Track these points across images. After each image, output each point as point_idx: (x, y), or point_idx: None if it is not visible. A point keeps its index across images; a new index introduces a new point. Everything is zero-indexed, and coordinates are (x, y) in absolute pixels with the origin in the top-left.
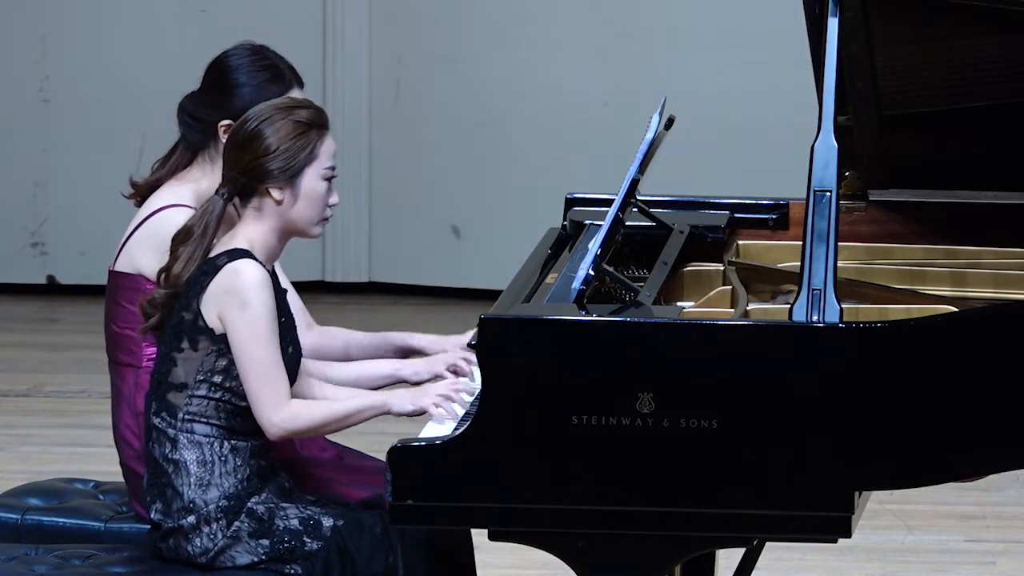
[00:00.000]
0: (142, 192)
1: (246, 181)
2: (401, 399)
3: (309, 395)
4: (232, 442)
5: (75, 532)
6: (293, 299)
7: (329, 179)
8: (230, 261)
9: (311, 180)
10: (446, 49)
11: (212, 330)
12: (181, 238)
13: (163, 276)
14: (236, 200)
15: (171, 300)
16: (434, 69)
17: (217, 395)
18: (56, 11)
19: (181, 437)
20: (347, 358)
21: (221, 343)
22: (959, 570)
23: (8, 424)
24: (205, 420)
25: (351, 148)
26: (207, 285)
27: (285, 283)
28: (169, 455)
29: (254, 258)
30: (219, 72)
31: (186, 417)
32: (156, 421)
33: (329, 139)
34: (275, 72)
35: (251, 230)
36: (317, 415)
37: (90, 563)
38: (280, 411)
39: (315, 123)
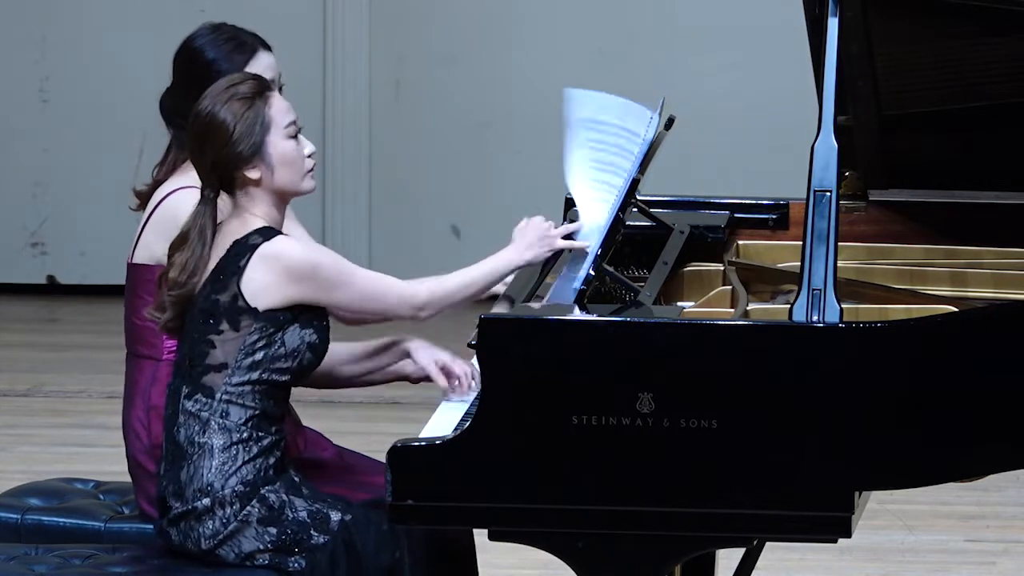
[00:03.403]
0: (146, 199)
1: (221, 174)
2: (527, 250)
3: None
4: (259, 433)
5: (75, 532)
6: None
7: (294, 135)
8: (264, 240)
9: (277, 144)
10: (446, 48)
11: (255, 309)
12: (177, 244)
13: (162, 281)
14: (224, 194)
15: (181, 298)
16: (434, 68)
17: (257, 373)
18: (56, 11)
19: (213, 421)
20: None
21: (264, 320)
22: (959, 570)
23: (8, 424)
24: (241, 402)
25: (351, 148)
26: (246, 266)
27: None
28: (196, 438)
29: (278, 232)
30: (189, 57)
31: (223, 397)
32: (189, 404)
33: (276, 99)
34: (237, 41)
35: (255, 210)
36: (451, 283)
37: (90, 563)
38: (415, 296)
39: (257, 91)
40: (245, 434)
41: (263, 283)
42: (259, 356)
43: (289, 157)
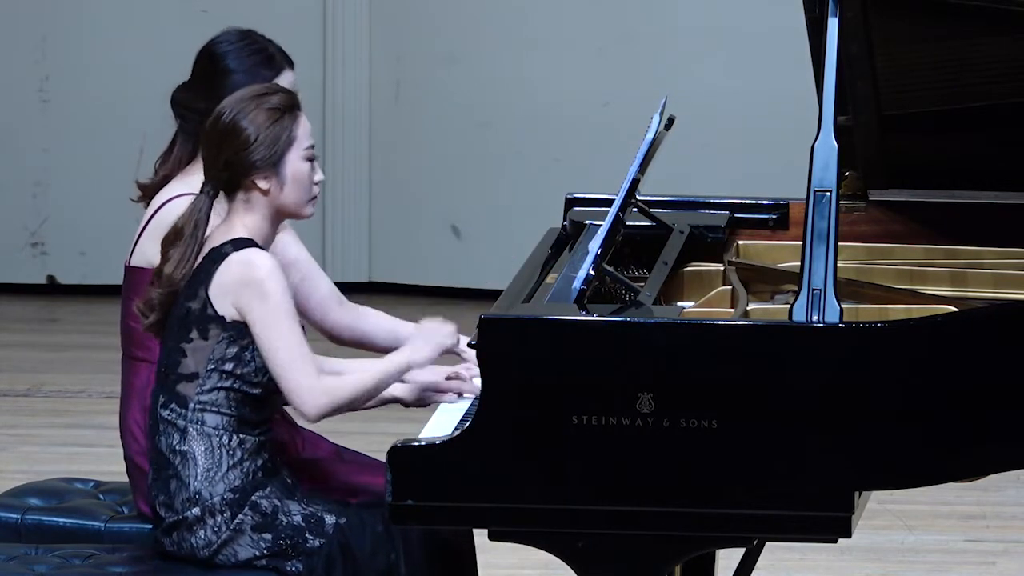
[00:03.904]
0: (150, 193)
1: (230, 175)
2: (417, 352)
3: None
4: (240, 436)
5: (75, 532)
6: (322, 279)
7: (311, 159)
8: (237, 251)
9: (294, 163)
10: (446, 48)
11: (223, 318)
12: (172, 239)
13: (156, 278)
14: (223, 195)
15: (168, 298)
16: (434, 68)
17: (227, 383)
18: (56, 11)
19: (191, 428)
20: (390, 335)
21: (232, 330)
22: (959, 570)
23: (8, 424)
24: (216, 410)
25: (351, 148)
26: (214, 274)
27: (312, 264)
28: (177, 447)
29: (259, 246)
30: (209, 60)
31: (197, 407)
32: (165, 413)
33: (304, 119)
34: (265, 55)
35: (245, 220)
36: (348, 390)
37: (90, 563)
38: (314, 394)
39: (288, 106)
40: (226, 438)
41: (225, 290)
42: (228, 367)
43: (301, 178)
